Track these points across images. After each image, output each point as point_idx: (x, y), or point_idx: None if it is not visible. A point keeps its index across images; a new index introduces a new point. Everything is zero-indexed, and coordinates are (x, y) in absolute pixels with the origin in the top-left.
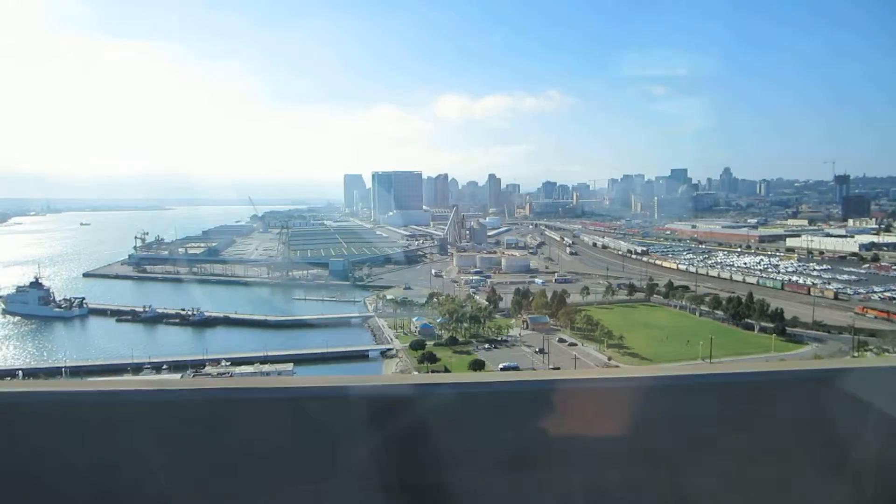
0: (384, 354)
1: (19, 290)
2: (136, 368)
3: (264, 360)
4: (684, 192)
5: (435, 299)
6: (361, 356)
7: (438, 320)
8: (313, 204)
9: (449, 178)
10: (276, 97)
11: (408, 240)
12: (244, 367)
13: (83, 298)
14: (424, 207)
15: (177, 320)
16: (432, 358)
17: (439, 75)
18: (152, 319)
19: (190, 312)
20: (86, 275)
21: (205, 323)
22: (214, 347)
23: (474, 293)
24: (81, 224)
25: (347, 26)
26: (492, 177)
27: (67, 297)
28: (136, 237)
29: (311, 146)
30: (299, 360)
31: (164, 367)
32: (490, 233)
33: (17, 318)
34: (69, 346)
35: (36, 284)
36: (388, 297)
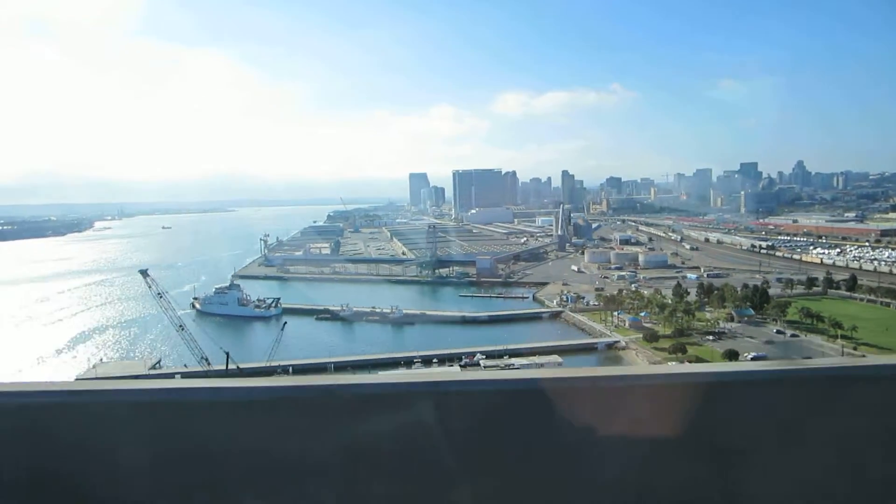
0: (611, 347)
1: (218, 291)
2: (408, 362)
3: (504, 354)
4: (765, 186)
5: (623, 294)
6: (590, 349)
7: (642, 314)
8: (370, 203)
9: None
10: (333, 101)
11: (509, 237)
12: (517, 360)
13: (278, 299)
14: (509, 206)
15: (376, 318)
16: (682, 349)
17: (500, 73)
18: (350, 318)
19: (389, 310)
20: (234, 276)
21: (404, 320)
22: (431, 343)
23: (636, 288)
24: (163, 228)
25: (407, 31)
26: (565, 173)
27: (261, 298)
28: (261, 239)
29: (367, 147)
30: (526, 353)
31: (434, 360)
32: None
33: (217, 319)
34: (299, 344)
35: (234, 286)
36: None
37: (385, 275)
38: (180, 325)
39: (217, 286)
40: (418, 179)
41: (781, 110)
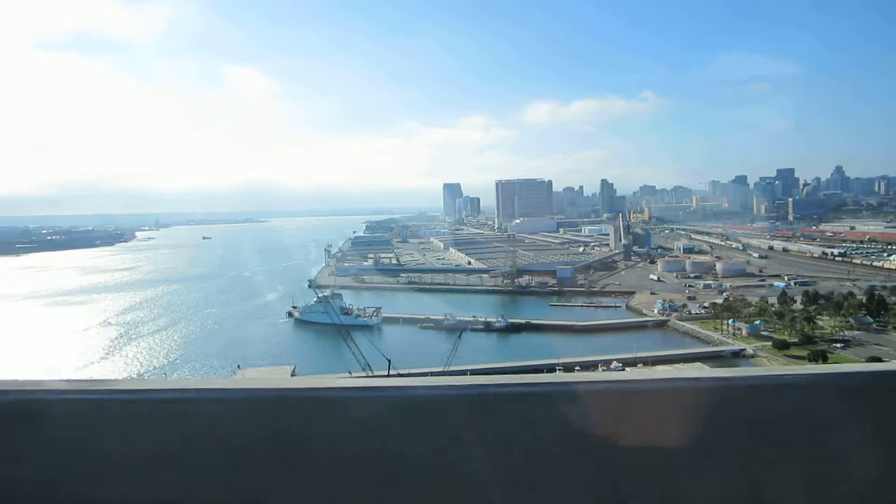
0: (736, 355)
1: (319, 300)
2: (550, 369)
3: (638, 362)
4: (809, 193)
5: (732, 301)
6: (716, 357)
7: (757, 322)
8: (400, 213)
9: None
10: (361, 112)
11: (564, 246)
12: (660, 367)
13: (380, 308)
14: (553, 215)
15: (481, 327)
16: (823, 356)
17: (530, 82)
18: (454, 327)
19: (494, 319)
20: (310, 286)
21: (510, 329)
22: (546, 351)
23: (728, 297)
24: (203, 238)
25: (439, 43)
26: (604, 182)
27: (361, 307)
28: (325, 249)
29: (395, 157)
30: (661, 360)
31: (577, 367)
32: None
33: (318, 327)
34: (420, 350)
35: (336, 295)
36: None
37: (462, 284)
38: (347, 332)
39: (319, 295)
40: (452, 189)
41: (814, 114)
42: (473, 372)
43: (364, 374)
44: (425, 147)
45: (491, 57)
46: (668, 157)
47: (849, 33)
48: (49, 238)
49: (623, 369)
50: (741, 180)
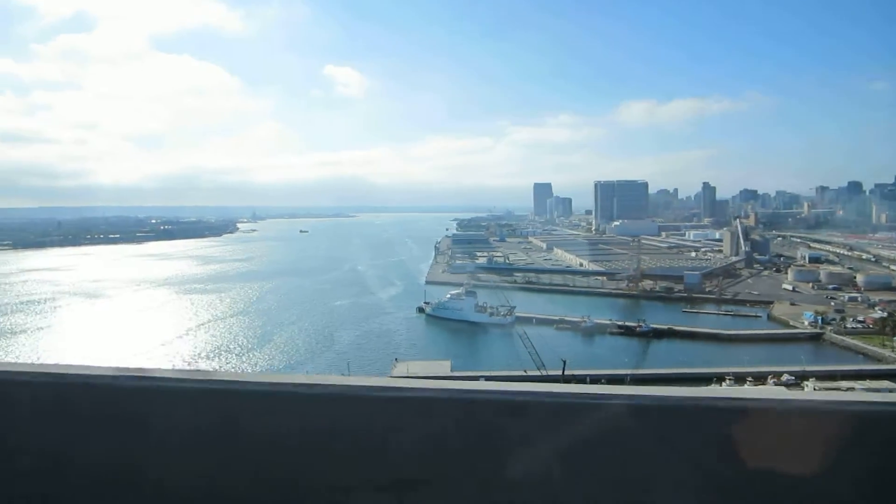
0: None
1: (453, 297)
2: (720, 378)
3: (809, 375)
4: None
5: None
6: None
7: None
8: (486, 212)
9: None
10: (454, 111)
11: (674, 251)
12: (847, 383)
13: (514, 306)
14: (653, 218)
15: (620, 331)
16: None
17: (626, 81)
18: (592, 329)
19: (635, 324)
20: (427, 283)
21: (652, 334)
22: (693, 360)
23: (883, 312)
24: (301, 231)
25: (536, 42)
26: (706, 185)
27: (494, 306)
28: (435, 246)
29: (483, 155)
30: (826, 376)
31: (749, 378)
32: None
33: (450, 324)
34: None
35: (471, 293)
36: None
37: (582, 286)
38: (524, 332)
39: (452, 292)
40: (542, 189)
41: None
42: (647, 378)
43: (540, 375)
44: (513, 146)
45: (586, 55)
46: (768, 160)
47: None
48: (162, 228)
49: (797, 383)
50: (856, 187)
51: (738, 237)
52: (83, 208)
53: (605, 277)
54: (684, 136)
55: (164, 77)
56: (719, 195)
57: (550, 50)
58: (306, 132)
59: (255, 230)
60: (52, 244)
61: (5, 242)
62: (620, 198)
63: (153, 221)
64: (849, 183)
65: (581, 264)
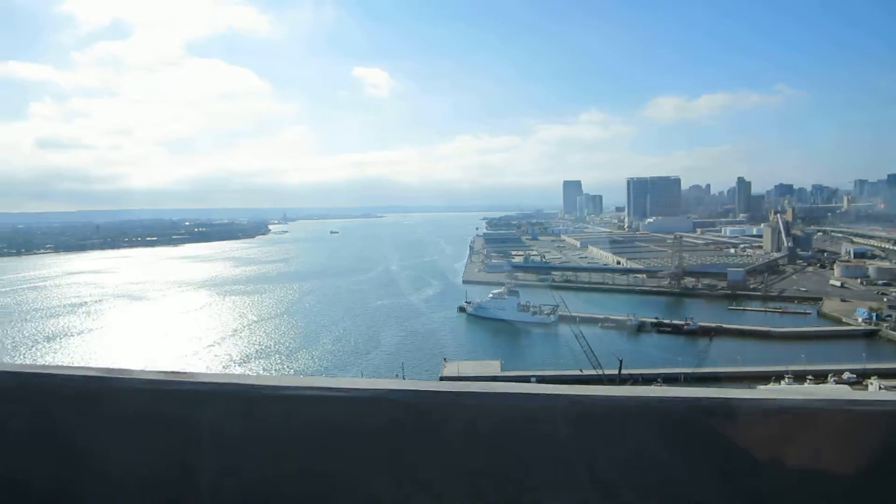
0: None
1: (496, 296)
2: (778, 377)
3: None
4: None
5: None
6: None
7: None
8: (516, 210)
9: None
10: (482, 109)
11: (713, 247)
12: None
13: (557, 306)
14: (687, 214)
15: (668, 329)
16: None
17: (654, 77)
18: (637, 328)
19: (683, 322)
20: (464, 282)
21: (700, 332)
22: (745, 358)
23: None
24: (331, 233)
25: (563, 40)
26: (740, 180)
27: (537, 305)
28: (470, 246)
29: (510, 154)
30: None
31: (809, 377)
32: None
33: (492, 323)
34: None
35: (513, 292)
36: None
37: (621, 284)
38: (580, 332)
39: (494, 291)
40: (572, 186)
41: None
42: (704, 377)
43: (597, 375)
44: (541, 144)
45: (617, 50)
46: (802, 154)
47: None
48: (197, 230)
49: (859, 381)
50: (893, 179)
51: (780, 232)
52: (118, 211)
53: (645, 275)
54: (714, 131)
55: (196, 82)
56: (753, 190)
57: (578, 48)
58: (334, 133)
59: (286, 231)
60: (92, 247)
61: (48, 245)
62: (653, 194)
63: (187, 224)
64: (889, 176)
65: (618, 262)
